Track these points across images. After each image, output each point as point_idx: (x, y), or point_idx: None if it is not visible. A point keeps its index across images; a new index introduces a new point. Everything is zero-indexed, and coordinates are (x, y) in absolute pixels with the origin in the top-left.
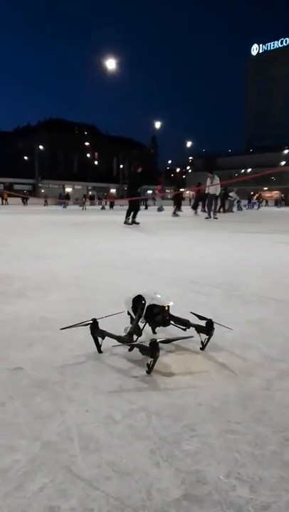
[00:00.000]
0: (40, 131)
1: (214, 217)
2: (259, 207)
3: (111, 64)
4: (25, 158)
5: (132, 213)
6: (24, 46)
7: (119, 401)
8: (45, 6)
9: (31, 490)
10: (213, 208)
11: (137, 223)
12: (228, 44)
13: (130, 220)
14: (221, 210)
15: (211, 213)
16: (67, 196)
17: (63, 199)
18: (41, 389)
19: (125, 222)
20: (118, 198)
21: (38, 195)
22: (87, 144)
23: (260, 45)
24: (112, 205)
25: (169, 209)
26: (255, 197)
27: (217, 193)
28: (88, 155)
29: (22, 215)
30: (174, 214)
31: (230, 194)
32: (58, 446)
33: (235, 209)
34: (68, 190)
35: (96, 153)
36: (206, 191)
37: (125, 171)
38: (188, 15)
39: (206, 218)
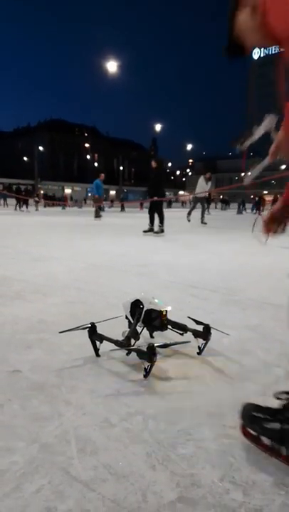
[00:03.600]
0: (41, 131)
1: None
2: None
3: (112, 66)
4: (25, 158)
5: (160, 219)
6: (25, 46)
7: (116, 404)
8: (46, 5)
9: (29, 491)
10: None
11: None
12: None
13: (158, 228)
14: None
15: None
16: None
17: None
18: (39, 391)
19: (152, 231)
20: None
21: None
22: (87, 145)
23: (262, 49)
24: (100, 208)
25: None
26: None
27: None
28: (88, 156)
29: (21, 216)
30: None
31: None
32: (56, 449)
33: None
34: (68, 191)
35: (96, 155)
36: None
37: (125, 173)
38: (190, 17)
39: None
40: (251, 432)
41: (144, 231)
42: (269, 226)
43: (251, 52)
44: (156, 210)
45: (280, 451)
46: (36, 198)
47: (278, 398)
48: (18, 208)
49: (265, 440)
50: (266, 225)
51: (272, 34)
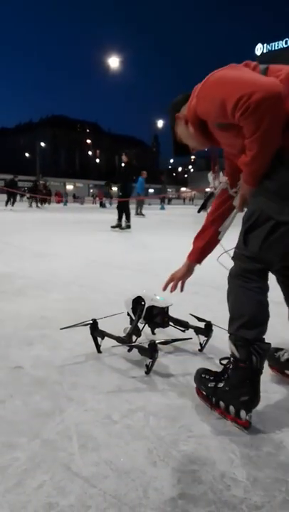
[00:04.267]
0: (42, 127)
1: None
2: None
3: (114, 62)
4: (27, 155)
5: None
6: (27, 42)
7: (117, 401)
8: (48, 3)
9: (31, 487)
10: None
11: (129, 227)
12: (233, 43)
13: (124, 224)
14: None
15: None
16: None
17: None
18: (41, 388)
19: (120, 227)
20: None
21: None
22: (89, 141)
23: (265, 44)
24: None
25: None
26: None
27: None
28: (90, 152)
29: (24, 213)
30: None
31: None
32: (57, 445)
33: None
34: (69, 187)
35: (98, 151)
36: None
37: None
38: (192, 14)
39: None
40: (201, 391)
41: (112, 226)
42: (170, 282)
43: (254, 47)
44: (122, 207)
45: (220, 406)
46: (27, 195)
47: (221, 363)
48: (34, 204)
49: (211, 398)
50: (169, 282)
51: (200, 122)
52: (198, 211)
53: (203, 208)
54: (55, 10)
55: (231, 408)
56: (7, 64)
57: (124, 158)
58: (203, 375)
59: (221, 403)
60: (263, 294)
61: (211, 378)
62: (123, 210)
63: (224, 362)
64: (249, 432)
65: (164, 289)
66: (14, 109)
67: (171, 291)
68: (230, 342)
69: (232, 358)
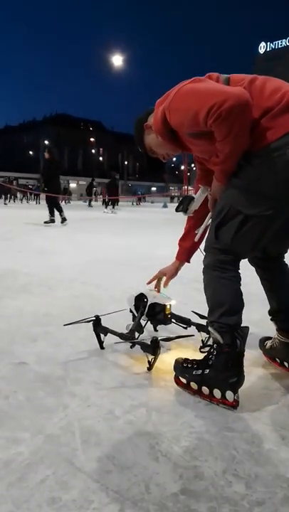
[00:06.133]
0: (46, 126)
1: None
2: None
3: (117, 60)
4: (30, 152)
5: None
6: (30, 40)
7: (120, 397)
8: (50, 1)
9: (34, 481)
10: None
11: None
12: (236, 42)
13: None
14: None
15: None
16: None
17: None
18: (44, 383)
19: (53, 222)
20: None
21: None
22: (92, 139)
23: (268, 43)
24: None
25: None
26: None
27: None
28: (93, 151)
29: (27, 210)
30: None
31: None
32: (60, 440)
33: None
34: (73, 185)
35: (101, 149)
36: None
37: (130, 167)
38: (196, 13)
39: None
40: (182, 380)
41: (45, 222)
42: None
43: (257, 46)
44: (52, 203)
45: (203, 391)
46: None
47: (202, 352)
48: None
49: (193, 385)
50: (156, 278)
51: (169, 130)
52: (176, 210)
53: (183, 210)
54: (59, 7)
55: (216, 391)
56: (11, 62)
57: (46, 155)
58: (184, 365)
59: (205, 388)
60: (238, 283)
61: (195, 366)
62: (53, 205)
63: (205, 350)
64: (251, 429)
65: (149, 283)
66: (18, 107)
67: (165, 287)
68: (213, 329)
69: (215, 345)
